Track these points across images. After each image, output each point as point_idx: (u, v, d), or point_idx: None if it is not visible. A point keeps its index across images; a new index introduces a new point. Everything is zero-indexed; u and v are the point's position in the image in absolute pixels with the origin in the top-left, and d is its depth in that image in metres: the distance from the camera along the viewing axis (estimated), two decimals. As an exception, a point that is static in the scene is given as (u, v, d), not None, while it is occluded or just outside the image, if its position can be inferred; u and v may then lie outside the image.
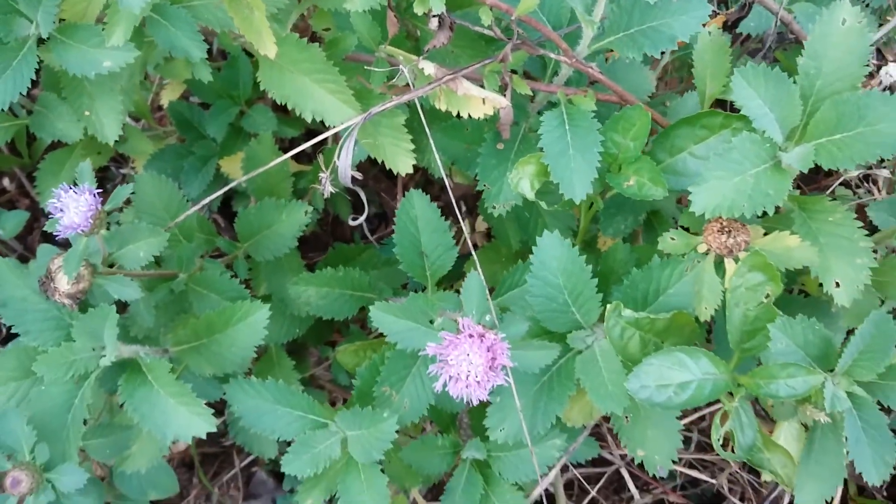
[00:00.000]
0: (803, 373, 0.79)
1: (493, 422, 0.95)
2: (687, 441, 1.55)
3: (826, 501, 0.86)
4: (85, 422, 1.04)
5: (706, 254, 0.89)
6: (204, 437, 0.92)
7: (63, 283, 0.87)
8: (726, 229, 0.87)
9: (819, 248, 0.90)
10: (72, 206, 0.79)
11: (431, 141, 1.03)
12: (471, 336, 0.79)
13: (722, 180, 0.84)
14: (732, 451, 0.86)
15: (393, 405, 0.97)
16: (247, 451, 1.71)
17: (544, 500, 1.30)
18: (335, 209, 1.64)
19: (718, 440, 0.80)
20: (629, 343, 0.85)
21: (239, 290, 1.06)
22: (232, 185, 1.10)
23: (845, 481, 1.37)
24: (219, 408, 1.67)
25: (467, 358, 0.79)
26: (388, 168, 1.09)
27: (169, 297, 1.09)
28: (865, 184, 1.41)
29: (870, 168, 1.22)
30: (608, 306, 0.83)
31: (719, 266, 0.91)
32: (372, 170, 1.75)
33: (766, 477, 1.09)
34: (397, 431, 0.93)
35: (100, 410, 1.08)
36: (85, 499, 1.20)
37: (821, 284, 0.94)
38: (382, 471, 1.00)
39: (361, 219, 1.13)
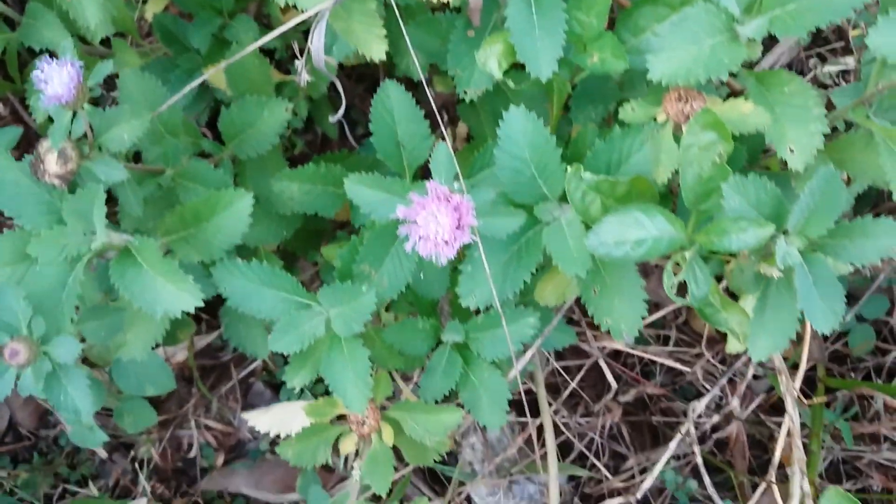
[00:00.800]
0: (754, 226, 0.84)
1: (464, 289, 1.00)
2: (666, 339, 1.60)
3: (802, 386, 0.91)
4: (77, 308, 1.10)
5: (665, 122, 0.93)
6: (192, 311, 0.97)
7: (52, 164, 0.91)
8: (683, 98, 0.91)
9: (775, 117, 0.94)
10: (55, 77, 0.83)
11: (408, 39, 1.06)
12: (438, 198, 0.83)
13: (678, 50, 0.88)
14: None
15: (372, 282, 1.02)
16: (244, 364, 1.79)
17: (524, 395, 1.36)
18: (321, 125, 1.68)
19: (671, 287, 0.85)
20: (591, 207, 0.89)
21: (224, 181, 1.11)
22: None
23: (815, 366, 1.43)
24: (214, 325, 1.74)
25: (435, 219, 0.83)
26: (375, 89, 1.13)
27: (157, 192, 1.13)
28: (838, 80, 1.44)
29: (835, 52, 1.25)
30: (569, 169, 0.87)
31: (679, 138, 0.95)
32: (357, 88, 1.78)
33: (731, 349, 1.15)
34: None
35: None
36: (87, 399, 1.27)
37: (784, 166, 0.98)
38: (364, 346, 1.05)
39: (339, 114, 1.17)
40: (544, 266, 1.14)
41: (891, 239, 0.88)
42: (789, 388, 1.10)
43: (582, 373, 1.53)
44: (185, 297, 0.97)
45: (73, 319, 0.99)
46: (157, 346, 1.46)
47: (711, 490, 1.13)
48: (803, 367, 1.17)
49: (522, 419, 1.64)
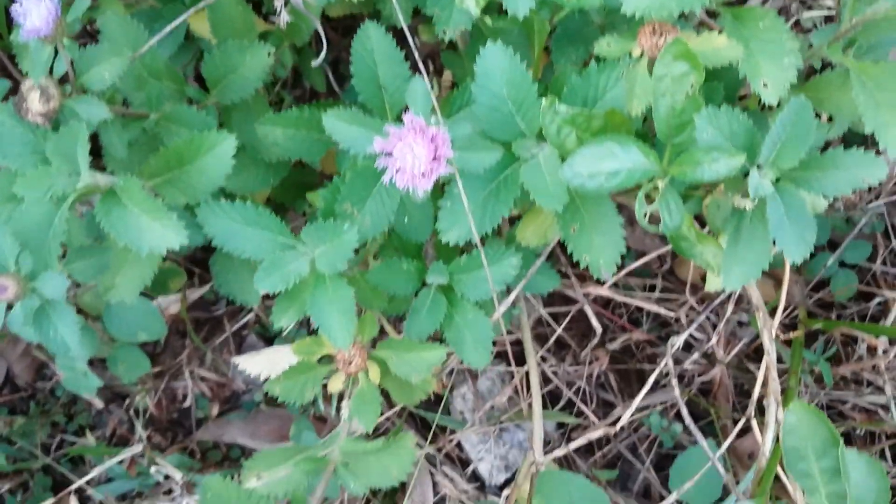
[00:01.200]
0: (725, 156, 0.85)
1: (444, 225, 1.01)
2: (652, 287, 1.62)
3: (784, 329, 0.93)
4: (65, 254, 1.12)
5: (640, 57, 0.94)
6: (176, 248, 0.99)
7: (35, 103, 0.92)
8: (658, 31, 0.92)
9: (749, 52, 0.95)
10: (34, 10, 0.84)
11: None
12: (414, 130, 0.85)
13: (652, -17, 0.89)
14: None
15: (354, 221, 1.04)
16: (238, 317, 1.81)
17: (512, 347, 1.39)
18: (309, 79, 1.68)
19: (644, 216, 0.87)
20: (566, 141, 0.91)
21: (208, 123, 1.12)
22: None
23: (794, 307, 1.45)
24: (207, 278, 1.76)
25: (411, 150, 0.84)
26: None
27: (142, 136, 1.15)
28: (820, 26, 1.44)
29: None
30: (544, 101, 0.88)
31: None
32: (344, 41, 1.78)
33: (710, 287, 1.17)
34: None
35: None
36: (81, 347, 1.30)
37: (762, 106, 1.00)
38: (348, 285, 1.07)
39: (321, 58, 1.18)
40: (525, 208, 1.16)
41: (861, 170, 0.90)
42: (766, 324, 1.12)
43: (568, 319, 1.55)
44: (170, 235, 0.98)
45: (61, 260, 1.01)
46: (152, 298, 1.49)
47: (690, 421, 1.16)
48: (782, 305, 1.19)
49: (511, 369, 1.67)
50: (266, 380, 1.76)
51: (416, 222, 1.18)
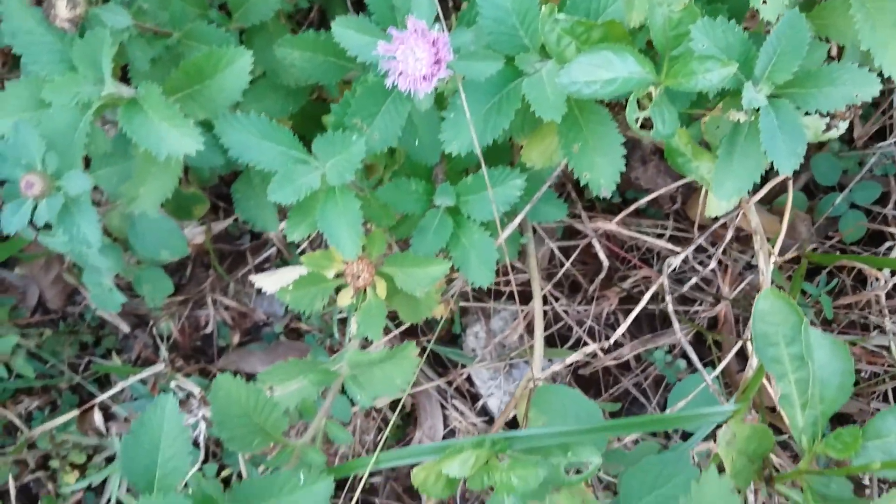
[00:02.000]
0: (719, 65, 0.87)
1: (447, 135, 1.05)
2: (663, 228, 1.65)
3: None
4: (88, 163, 1.18)
5: (642, -29, 0.96)
6: (193, 153, 1.04)
7: (62, 9, 0.98)
8: (659, -55, 0.94)
9: (749, -28, 0.97)
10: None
11: None
12: (416, 33, 0.88)
13: None
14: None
15: (363, 135, 1.08)
16: (260, 252, 1.87)
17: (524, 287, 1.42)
18: (330, 12, 1.72)
19: (636, 121, 0.89)
20: (566, 51, 0.94)
21: (228, 39, 1.16)
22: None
23: (800, 244, 1.47)
24: (231, 212, 1.82)
25: (413, 53, 0.88)
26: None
27: (165, 54, 1.19)
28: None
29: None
30: (543, 9, 0.91)
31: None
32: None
33: (709, 212, 1.19)
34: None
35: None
36: (105, 259, 1.36)
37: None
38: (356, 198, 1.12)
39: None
40: (530, 129, 1.19)
41: (855, 86, 0.92)
42: (763, 246, 1.15)
43: (577, 252, 1.58)
44: (187, 141, 1.03)
45: (86, 169, 1.07)
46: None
47: (684, 340, 1.19)
48: (783, 232, 1.21)
49: (524, 308, 1.71)
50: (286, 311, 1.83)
51: (425, 145, 1.22)
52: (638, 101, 0.88)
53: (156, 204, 1.23)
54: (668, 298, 1.18)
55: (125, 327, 1.81)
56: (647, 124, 0.90)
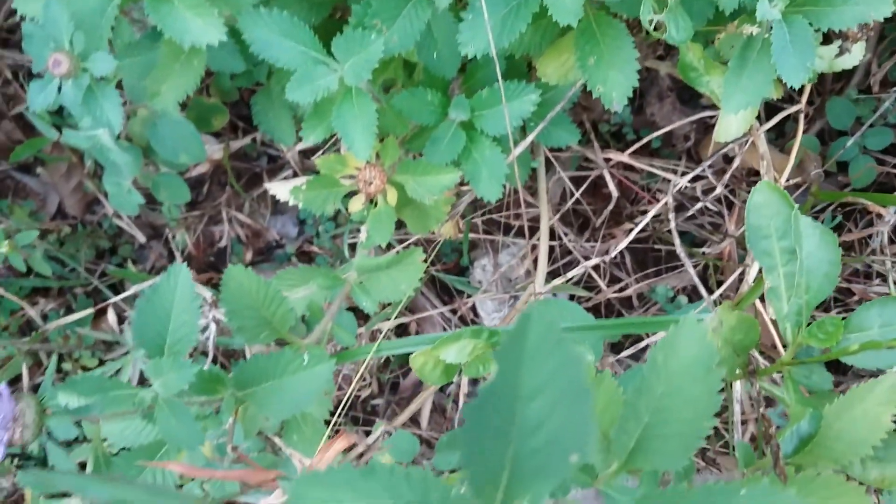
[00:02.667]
0: (734, -27, 0.89)
1: (464, 37, 1.07)
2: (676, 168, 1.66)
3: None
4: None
5: None
6: (215, 44, 1.06)
7: None
8: None
9: None
10: None
11: None
12: (440, -73, 0.90)
13: None
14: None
15: (382, 34, 1.10)
16: (277, 174, 1.90)
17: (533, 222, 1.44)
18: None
19: (650, 23, 0.91)
20: (585, -45, 0.95)
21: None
22: None
23: (809, 184, 1.48)
24: (250, 132, 1.84)
25: (435, -54, 0.90)
26: None
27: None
28: None
29: None
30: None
31: None
32: None
33: (718, 137, 1.21)
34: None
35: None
36: (125, 154, 1.39)
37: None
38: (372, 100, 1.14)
39: None
40: (547, 45, 1.21)
41: (868, 5, 0.92)
42: (769, 172, 1.16)
43: (587, 184, 1.60)
44: (211, 31, 1.06)
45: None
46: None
47: (688, 264, 1.21)
48: (790, 164, 1.22)
49: (532, 241, 1.74)
50: (298, 234, 1.86)
51: (444, 58, 1.24)
52: (654, 4, 0.90)
53: (177, 102, 1.26)
54: (671, 216, 1.20)
55: (141, 237, 1.85)
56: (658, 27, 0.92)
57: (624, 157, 1.48)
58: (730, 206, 1.57)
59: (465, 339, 0.95)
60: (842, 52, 1.03)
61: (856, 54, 1.08)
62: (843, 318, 0.79)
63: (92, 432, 0.93)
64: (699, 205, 1.34)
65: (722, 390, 0.60)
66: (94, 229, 1.85)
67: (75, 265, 1.77)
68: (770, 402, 1.29)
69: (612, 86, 1.09)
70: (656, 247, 1.74)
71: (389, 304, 1.64)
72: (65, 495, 0.74)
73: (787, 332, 0.79)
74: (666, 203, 1.27)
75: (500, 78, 1.14)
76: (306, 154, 1.83)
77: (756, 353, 0.87)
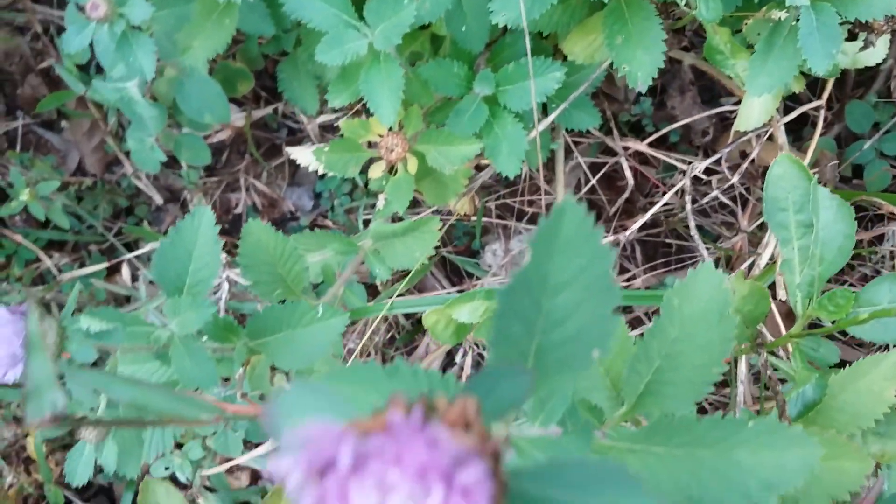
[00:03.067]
0: (767, -44, 0.90)
1: (497, 6, 1.09)
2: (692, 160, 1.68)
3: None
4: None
5: None
6: (251, -2, 1.09)
7: None
8: None
9: None
10: None
11: None
12: None
13: None
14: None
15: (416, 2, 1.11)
16: (297, 146, 1.92)
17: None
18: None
19: (683, 2, 0.92)
20: (620, -69, 0.97)
21: None
22: None
23: (825, 183, 1.49)
24: (272, 102, 1.86)
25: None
26: None
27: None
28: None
29: None
30: None
31: None
32: None
33: (739, 125, 1.22)
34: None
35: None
36: (152, 108, 1.41)
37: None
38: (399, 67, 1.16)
39: None
40: (576, 23, 1.22)
41: (896, -3, 0.94)
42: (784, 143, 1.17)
43: (605, 169, 1.61)
44: (243, -16, 1.08)
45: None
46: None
47: (694, 232, 1.21)
48: (808, 160, 1.24)
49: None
50: (313, 207, 1.87)
51: (472, 31, 1.25)
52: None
53: (206, 59, 1.28)
54: (688, 198, 1.22)
55: (159, 199, 1.87)
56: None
57: (642, 147, 1.50)
58: (744, 203, 1.58)
59: (479, 301, 0.97)
60: (866, 45, 1.04)
61: (879, 51, 1.09)
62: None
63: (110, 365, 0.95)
64: (714, 193, 1.35)
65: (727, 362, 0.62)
66: (113, 187, 1.87)
67: (93, 221, 1.79)
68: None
69: (639, 65, 1.11)
70: (667, 241, 1.75)
71: (398, 281, 1.66)
72: (79, 422, 0.75)
73: (798, 305, 0.80)
74: (680, 190, 1.28)
75: (528, 51, 1.16)
76: (326, 129, 1.85)
77: (763, 329, 0.88)
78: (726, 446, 0.53)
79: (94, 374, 0.67)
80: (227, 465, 1.29)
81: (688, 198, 1.23)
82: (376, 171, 1.28)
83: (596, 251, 0.41)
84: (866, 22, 0.97)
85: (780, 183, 0.81)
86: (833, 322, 0.78)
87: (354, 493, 0.24)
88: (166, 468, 1.23)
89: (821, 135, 1.52)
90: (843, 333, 1.17)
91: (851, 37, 1.17)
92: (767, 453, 0.53)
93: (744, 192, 1.58)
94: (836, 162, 1.45)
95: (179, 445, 1.35)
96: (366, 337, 1.87)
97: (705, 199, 1.37)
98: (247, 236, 1.17)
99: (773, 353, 0.86)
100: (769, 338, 0.87)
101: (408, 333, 1.92)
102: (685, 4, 0.93)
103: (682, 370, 0.60)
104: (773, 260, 1.11)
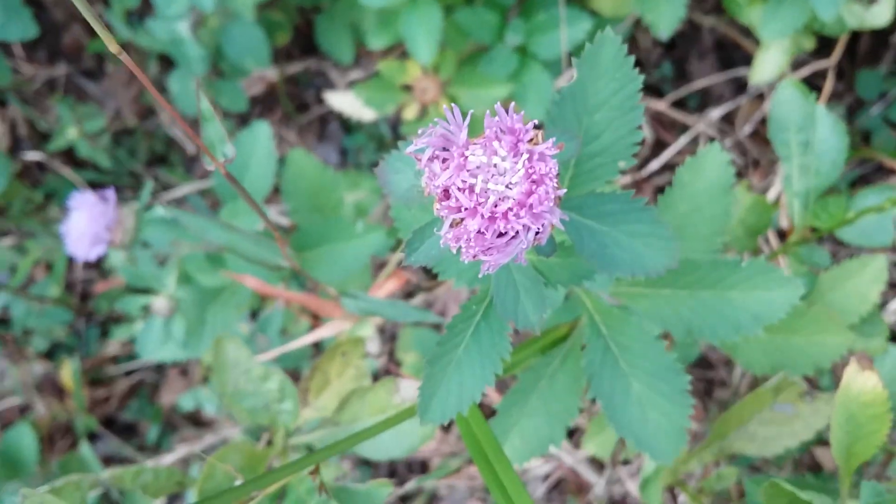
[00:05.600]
0: None
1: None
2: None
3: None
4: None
5: None
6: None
7: None
8: None
9: None
10: None
11: None
12: None
13: None
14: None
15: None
16: (325, 104, 2.00)
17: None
18: None
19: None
20: None
21: None
22: None
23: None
24: (303, 58, 1.94)
25: None
26: None
27: None
28: None
29: None
30: None
31: None
32: None
33: (754, 79, 1.30)
34: None
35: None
36: (199, 48, 1.49)
37: None
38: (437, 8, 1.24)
39: None
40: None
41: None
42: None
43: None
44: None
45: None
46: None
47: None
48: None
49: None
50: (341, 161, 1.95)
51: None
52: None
53: (254, 2, 1.36)
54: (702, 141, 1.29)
55: (192, 148, 1.95)
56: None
57: (662, 106, 1.57)
58: (756, 164, 1.66)
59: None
60: (871, 1, 1.11)
61: (884, 11, 1.16)
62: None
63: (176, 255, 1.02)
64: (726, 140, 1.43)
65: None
66: (151, 134, 1.95)
67: (130, 165, 1.88)
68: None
69: (661, 15, 1.19)
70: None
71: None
72: (147, 291, 0.83)
73: (795, 214, 0.87)
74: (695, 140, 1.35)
75: (562, 5, 1.24)
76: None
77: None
78: (723, 286, 0.62)
79: (198, 217, 0.74)
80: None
81: (701, 137, 1.31)
82: (410, 112, 1.36)
83: (627, 75, 0.49)
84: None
85: (785, 105, 0.88)
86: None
87: (471, 155, 0.33)
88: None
89: (833, 102, 1.60)
90: (840, 244, 1.25)
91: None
92: (758, 292, 0.62)
93: (758, 156, 1.65)
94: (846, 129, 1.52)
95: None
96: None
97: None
98: (290, 164, 1.25)
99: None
100: (767, 251, 0.94)
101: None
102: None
103: (691, 241, 0.68)
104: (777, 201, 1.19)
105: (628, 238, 0.41)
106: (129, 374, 1.93)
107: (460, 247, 0.37)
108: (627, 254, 0.40)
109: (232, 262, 0.98)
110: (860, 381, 0.65)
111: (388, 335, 1.44)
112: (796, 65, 1.46)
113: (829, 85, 1.33)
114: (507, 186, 0.36)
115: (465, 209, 0.37)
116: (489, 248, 0.37)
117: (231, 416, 1.48)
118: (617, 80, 0.49)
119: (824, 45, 1.48)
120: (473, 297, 0.52)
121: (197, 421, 1.87)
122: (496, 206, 0.36)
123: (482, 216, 0.36)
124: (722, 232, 0.68)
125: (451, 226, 0.38)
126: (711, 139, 1.56)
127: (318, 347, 1.40)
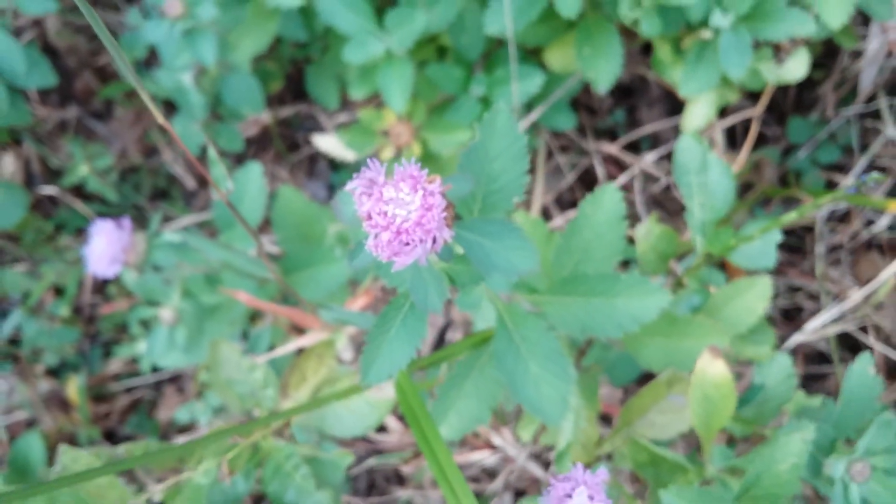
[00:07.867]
0: (695, -13, 1.18)
1: (489, 19, 1.36)
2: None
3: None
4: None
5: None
6: (295, 7, 1.36)
7: None
8: None
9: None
10: None
11: None
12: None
13: None
14: None
15: (425, 13, 1.39)
16: (312, 142, 2.19)
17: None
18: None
19: (629, 19, 1.20)
20: (586, -35, 1.24)
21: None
22: None
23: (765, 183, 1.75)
24: (295, 103, 2.13)
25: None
26: None
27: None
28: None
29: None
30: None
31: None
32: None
33: (685, 125, 1.49)
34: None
35: None
36: (200, 95, 1.68)
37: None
38: (410, 66, 1.43)
39: None
40: (555, 39, 1.50)
41: (795, 24, 1.21)
42: (722, 157, 1.45)
43: (579, 167, 1.88)
44: (292, -4, 1.36)
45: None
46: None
47: (641, 208, 1.47)
48: (745, 152, 1.50)
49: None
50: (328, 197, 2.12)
51: (470, 42, 1.53)
52: (631, 2, 1.19)
53: (251, 56, 1.56)
54: (638, 186, 1.48)
55: (192, 184, 2.14)
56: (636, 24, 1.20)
57: (613, 148, 1.76)
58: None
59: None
60: (779, 60, 1.31)
61: (796, 68, 1.36)
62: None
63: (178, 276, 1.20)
64: (663, 181, 1.62)
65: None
66: (154, 170, 2.14)
67: (135, 199, 2.06)
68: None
69: (601, 72, 1.38)
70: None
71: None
72: (156, 305, 1.00)
73: (697, 242, 1.06)
74: (634, 176, 1.54)
75: (512, 57, 1.43)
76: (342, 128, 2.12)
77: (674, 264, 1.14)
78: (610, 294, 0.80)
79: (202, 238, 0.92)
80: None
81: (637, 177, 1.50)
82: (387, 153, 1.55)
83: (516, 136, 0.68)
84: (777, 43, 1.24)
85: (685, 153, 1.07)
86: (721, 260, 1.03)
87: (385, 190, 0.51)
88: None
89: (767, 146, 1.79)
90: (735, 269, 1.43)
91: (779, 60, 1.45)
92: (636, 299, 0.80)
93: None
94: (775, 169, 1.71)
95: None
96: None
97: (654, 186, 1.63)
98: (280, 199, 1.44)
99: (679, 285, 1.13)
100: (678, 272, 1.12)
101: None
102: (633, 24, 1.20)
103: (593, 261, 0.86)
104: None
105: (504, 249, 0.59)
106: (129, 390, 2.09)
107: (379, 252, 0.56)
108: (504, 261, 0.59)
109: (227, 280, 1.16)
110: (712, 368, 0.83)
111: (360, 345, 1.62)
112: (728, 111, 1.66)
113: (753, 132, 1.52)
114: (408, 212, 0.55)
115: (381, 227, 0.56)
116: (397, 252, 0.56)
117: (224, 408, 1.63)
118: (508, 139, 0.68)
119: (755, 95, 1.68)
120: (400, 294, 0.70)
121: (192, 434, 2.02)
122: (401, 225, 0.55)
123: (392, 231, 0.55)
124: (618, 253, 0.87)
125: (373, 238, 0.57)
126: (648, 177, 1.75)
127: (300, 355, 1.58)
